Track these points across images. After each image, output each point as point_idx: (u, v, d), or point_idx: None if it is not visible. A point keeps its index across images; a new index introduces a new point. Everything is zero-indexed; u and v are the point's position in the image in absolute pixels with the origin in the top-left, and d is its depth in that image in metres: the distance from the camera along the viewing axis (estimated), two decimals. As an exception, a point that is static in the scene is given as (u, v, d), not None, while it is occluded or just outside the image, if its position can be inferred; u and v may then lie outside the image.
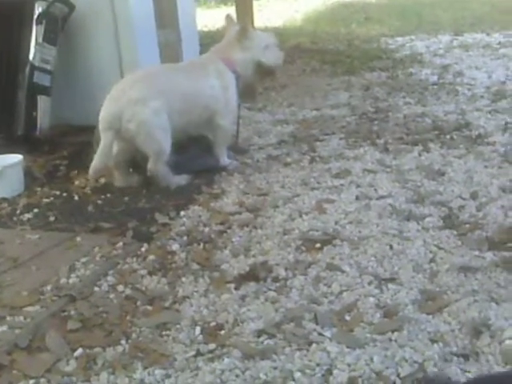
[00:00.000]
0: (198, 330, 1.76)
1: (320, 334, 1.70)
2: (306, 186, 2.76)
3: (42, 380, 1.60)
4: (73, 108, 3.49)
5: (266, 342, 1.69)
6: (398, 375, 1.53)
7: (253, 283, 1.98)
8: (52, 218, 2.58)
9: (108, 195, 2.79)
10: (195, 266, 2.12)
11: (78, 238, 2.38)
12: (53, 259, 2.23)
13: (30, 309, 1.91)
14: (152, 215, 2.53)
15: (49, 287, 2.03)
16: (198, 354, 1.66)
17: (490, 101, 3.97)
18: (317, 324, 1.75)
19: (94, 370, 1.63)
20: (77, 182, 2.94)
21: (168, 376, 1.59)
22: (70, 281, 2.07)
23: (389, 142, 3.28)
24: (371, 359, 1.58)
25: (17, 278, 2.11)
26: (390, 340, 1.66)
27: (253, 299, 1.90)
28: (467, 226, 2.28)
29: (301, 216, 2.45)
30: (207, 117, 2.94)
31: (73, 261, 2.20)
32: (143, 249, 2.27)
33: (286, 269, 2.06)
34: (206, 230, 2.40)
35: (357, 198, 2.59)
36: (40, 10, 3.27)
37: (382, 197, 2.57)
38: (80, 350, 1.70)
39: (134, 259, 2.20)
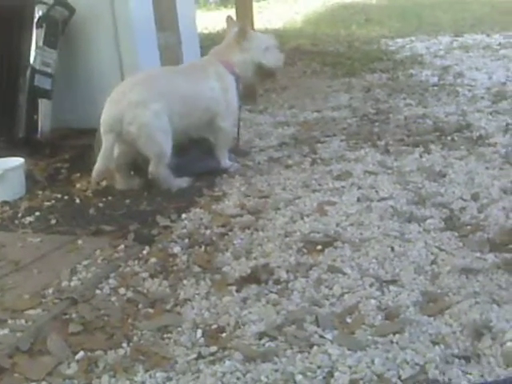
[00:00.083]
0: (199, 332, 1.76)
1: (321, 337, 1.70)
2: (307, 188, 2.76)
3: (44, 383, 1.60)
4: (74, 111, 3.49)
5: (267, 345, 1.69)
6: (400, 377, 1.52)
7: (254, 286, 1.98)
8: (53, 221, 2.58)
9: (109, 198, 2.79)
10: (196, 269, 2.12)
11: (80, 241, 2.38)
12: (54, 262, 2.23)
13: (31, 312, 1.91)
14: (153, 218, 2.53)
15: (50, 290, 2.03)
16: (200, 356, 1.66)
17: (490, 102, 3.97)
18: (318, 326, 1.74)
19: (96, 373, 1.63)
20: (78, 185, 2.94)
21: (169, 379, 1.59)
22: (72, 284, 2.07)
23: (390, 143, 3.28)
24: (372, 361, 1.58)
25: (18, 281, 2.11)
26: (392, 342, 1.66)
27: (254, 302, 1.90)
28: (468, 227, 2.28)
29: (302, 218, 2.45)
30: (208, 119, 2.94)
31: (74, 264, 2.20)
32: (145, 251, 2.27)
33: (287, 271, 2.05)
34: (208, 232, 2.40)
35: (358, 199, 2.59)
36: (40, 13, 3.26)
37: (383, 198, 2.57)
38: (81, 353, 1.70)
39: (136, 262, 2.20)
